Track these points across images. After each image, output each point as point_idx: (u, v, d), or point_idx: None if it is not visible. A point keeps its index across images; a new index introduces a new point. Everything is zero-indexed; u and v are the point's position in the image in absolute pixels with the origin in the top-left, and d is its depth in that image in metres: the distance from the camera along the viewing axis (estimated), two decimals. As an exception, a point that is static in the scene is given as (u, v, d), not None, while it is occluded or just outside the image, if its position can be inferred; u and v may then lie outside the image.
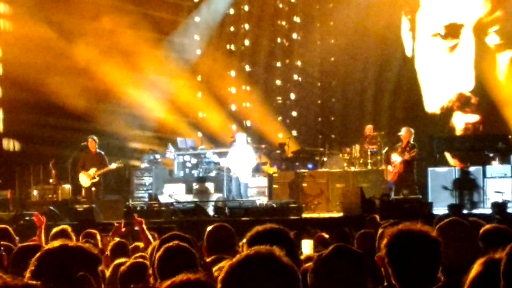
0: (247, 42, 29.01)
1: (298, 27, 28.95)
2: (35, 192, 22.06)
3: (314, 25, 28.58)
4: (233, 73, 28.66)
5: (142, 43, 25.62)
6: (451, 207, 17.27)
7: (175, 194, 21.42)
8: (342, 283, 3.99)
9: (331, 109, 28.51)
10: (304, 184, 21.39)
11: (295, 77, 29.07)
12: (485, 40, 24.83)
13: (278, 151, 23.99)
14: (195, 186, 21.75)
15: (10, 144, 24.71)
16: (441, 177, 19.92)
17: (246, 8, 29.05)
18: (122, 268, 5.80)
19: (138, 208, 19.89)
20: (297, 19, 28.89)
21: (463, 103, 24.92)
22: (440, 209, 17.54)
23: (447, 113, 25.12)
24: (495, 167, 20.05)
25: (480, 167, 19.83)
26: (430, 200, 19.06)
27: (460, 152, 21.87)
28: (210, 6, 28.08)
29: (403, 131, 19.60)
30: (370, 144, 22.06)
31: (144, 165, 22.90)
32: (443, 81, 25.32)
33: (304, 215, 18.74)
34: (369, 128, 22.46)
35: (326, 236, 11.31)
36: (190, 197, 21.26)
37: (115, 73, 24.25)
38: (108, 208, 20.05)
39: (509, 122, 23.14)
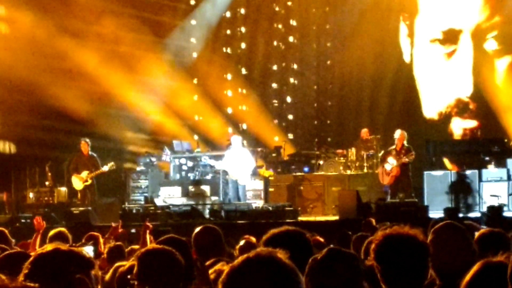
0: (243, 45, 29.03)
1: (294, 30, 28.98)
2: (31, 195, 22.03)
3: (310, 28, 28.61)
4: (229, 76, 28.68)
5: (139, 46, 25.62)
6: (447, 210, 17.30)
7: (169, 197, 21.39)
8: (337, 286, 3.99)
9: (327, 112, 28.53)
10: (300, 187, 21.41)
11: (291, 80, 29.09)
12: (483, 45, 24.88)
13: (274, 154, 24.00)
14: (191, 189, 21.72)
15: (6, 147, 24.68)
16: (437, 180, 19.94)
17: (243, 11, 29.07)
18: (120, 270, 5.80)
19: (134, 211, 19.90)
20: (293, 22, 28.93)
21: (461, 108, 24.95)
22: (436, 213, 17.56)
23: (445, 118, 25.16)
24: (491, 170, 20.08)
25: (476, 171, 19.84)
26: (426, 203, 19.09)
27: (456, 156, 21.89)
28: (207, 9, 28.09)
29: (397, 134, 19.60)
30: (366, 147, 22.06)
31: (140, 168, 22.87)
32: (441, 87, 25.35)
33: (300, 219, 18.74)
34: (364, 132, 22.46)
35: (322, 240, 11.31)
36: (185, 200, 21.24)
37: (111, 75, 24.23)
38: (104, 211, 20.04)
39: (507, 127, 23.15)
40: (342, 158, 22.54)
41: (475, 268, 3.57)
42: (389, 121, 24.44)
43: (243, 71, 29.06)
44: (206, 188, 21.66)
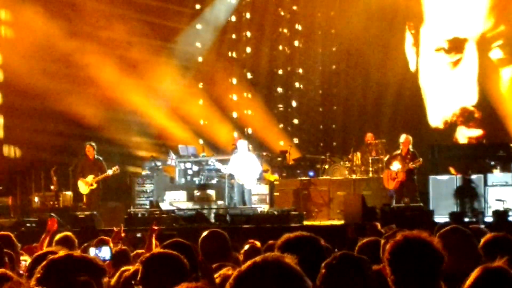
0: (248, 50, 29.04)
1: (299, 34, 28.99)
2: (36, 199, 22.05)
3: (315, 33, 28.62)
4: (234, 80, 28.70)
5: (144, 51, 25.66)
6: (452, 215, 17.27)
7: (174, 201, 21.42)
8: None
9: (333, 117, 28.50)
10: (305, 192, 21.39)
11: (297, 84, 29.09)
12: (488, 54, 24.85)
13: (279, 159, 24.00)
14: (196, 193, 21.74)
15: (11, 151, 24.72)
16: (442, 185, 19.91)
17: (248, 15, 29.09)
18: (125, 274, 5.79)
19: (139, 215, 19.90)
20: (298, 26, 28.93)
21: (466, 117, 24.90)
22: (441, 217, 17.53)
23: (450, 127, 25.12)
24: (496, 175, 20.04)
25: (482, 175, 19.81)
26: (431, 208, 19.04)
27: (462, 161, 21.85)
28: (212, 14, 28.11)
29: (402, 138, 19.57)
30: (371, 152, 22.04)
31: (145, 172, 22.88)
32: (446, 96, 25.32)
33: (305, 223, 18.72)
34: (369, 136, 22.44)
35: (326, 244, 11.28)
36: (191, 205, 21.26)
37: (117, 80, 24.26)
38: (109, 215, 20.04)
39: (512, 135, 23.13)
40: (347, 163, 22.53)
41: (475, 273, 3.57)
42: (394, 126, 24.40)
43: (249, 75, 29.07)
44: (211, 193, 21.68)
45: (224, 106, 27.42)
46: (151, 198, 21.99)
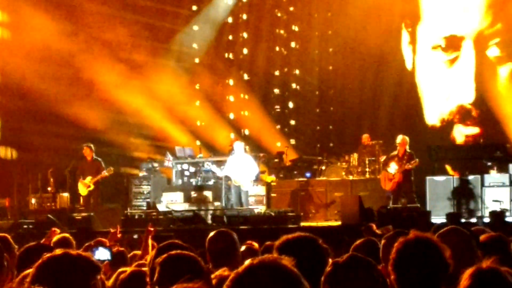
0: (245, 51, 29.04)
1: (296, 36, 29.01)
2: (33, 201, 22.05)
3: (312, 34, 28.63)
4: (231, 81, 28.70)
5: (141, 52, 25.66)
6: (449, 215, 17.27)
7: (171, 203, 21.41)
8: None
9: (330, 118, 28.53)
10: (302, 193, 21.41)
11: (294, 85, 29.11)
12: (485, 52, 24.86)
13: (276, 160, 24.00)
14: (193, 194, 21.75)
15: (8, 152, 24.69)
16: (439, 185, 19.92)
17: (245, 16, 29.09)
18: (122, 276, 5.78)
19: (136, 217, 19.89)
20: (295, 28, 28.96)
21: (463, 115, 24.90)
22: (438, 218, 17.53)
23: (447, 125, 25.11)
24: (493, 176, 20.05)
25: (479, 176, 19.82)
26: (428, 208, 19.06)
27: (459, 161, 21.86)
28: (209, 15, 28.10)
29: (399, 139, 19.59)
30: (367, 153, 22.06)
31: (142, 173, 22.89)
32: (443, 94, 25.33)
33: (303, 224, 18.72)
34: (365, 137, 22.46)
35: (325, 245, 11.27)
36: (188, 206, 21.25)
37: (114, 81, 24.25)
38: (106, 217, 20.03)
39: (510, 133, 23.11)
40: (344, 164, 22.54)
41: (466, 275, 3.57)
42: (391, 127, 24.41)
43: (245, 76, 29.08)
44: (208, 194, 21.69)
45: (221, 107, 27.43)
46: (148, 200, 22.00)
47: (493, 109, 23.90)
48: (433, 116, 25.49)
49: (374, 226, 12.46)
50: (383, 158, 20.93)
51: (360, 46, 26.19)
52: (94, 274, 3.72)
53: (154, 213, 20.07)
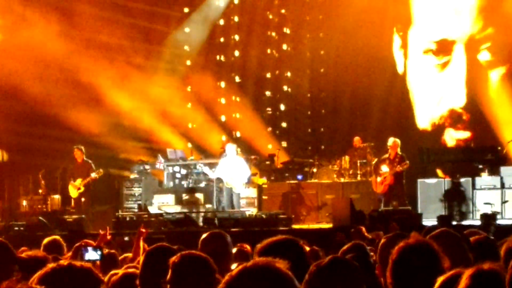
0: (237, 53, 29.03)
1: (288, 38, 29.01)
2: (24, 203, 21.99)
3: (304, 36, 28.64)
4: (223, 84, 28.69)
5: (133, 54, 25.62)
6: (440, 218, 17.30)
7: (163, 205, 21.39)
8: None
9: (321, 120, 28.54)
10: (294, 195, 21.40)
11: (285, 88, 29.10)
12: (476, 56, 24.90)
13: (267, 162, 23.99)
14: (185, 196, 21.72)
15: (-1, 154, 24.62)
16: (430, 188, 19.95)
17: (236, 19, 29.08)
18: (113, 278, 5.78)
19: (128, 219, 19.86)
20: (287, 30, 28.96)
21: (454, 119, 24.93)
22: (429, 221, 17.56)
23: (438, 129, 25.14)
24: (484, 178, 20.10)
25: (470, 179, 19.86)
26: (419, 211, 19.10)
27: (450, 164, 21.89)
28: (200, 17, 28.08)
29: (390, 142, 19.61)
30: (359, 155, 22.08)
31: (133, 175, 22.85)
32: (434, 98, 25.36)
33: (294, 226, 18.72)
34: (357, 140, 22.46)
35: (316, 248, 11.28)
36: (179, 208, 21.22)
37: (105, 83, 24.22)
38: (97, 219, 20.00)
39: (500, 138, 23.14)
40: (335, 166, 22.54)
41: (466, 275, 3.56)
42: (382, 129, 24.43)
43: (237, 79, 29.07)
44: (199, 196, 21.67)
45: (213, 110, 27.40)
46: (139, 202, 21.97)
47: (484, 113, 23.93)
48: (424, 119, 25.52)
49: (363, 229, 12.46)
50: (374, 161, 20.95)
51: (351, 49, 26.19)
52: (97, 287, 3.75)
53: (146, 215, 20.05)
